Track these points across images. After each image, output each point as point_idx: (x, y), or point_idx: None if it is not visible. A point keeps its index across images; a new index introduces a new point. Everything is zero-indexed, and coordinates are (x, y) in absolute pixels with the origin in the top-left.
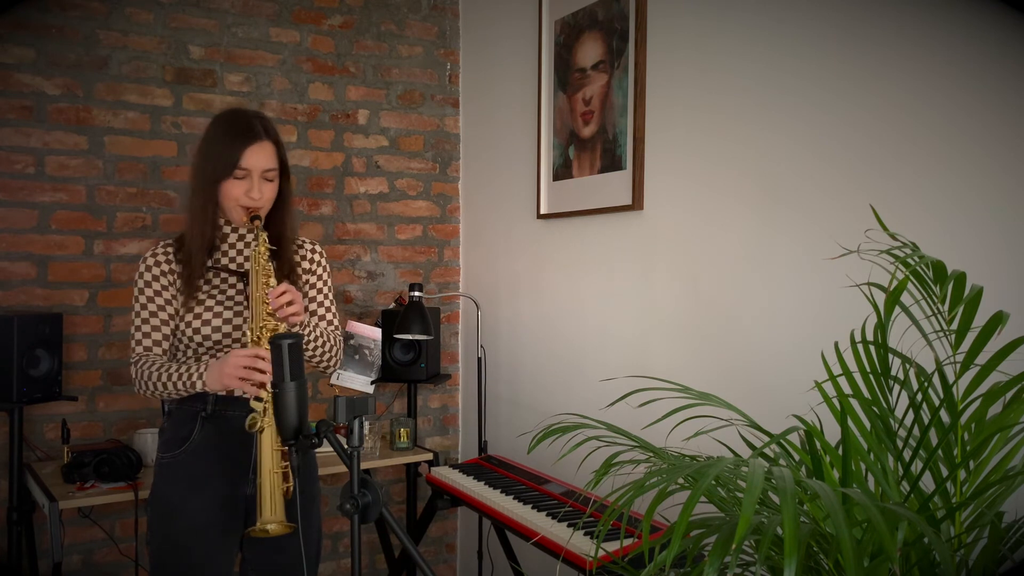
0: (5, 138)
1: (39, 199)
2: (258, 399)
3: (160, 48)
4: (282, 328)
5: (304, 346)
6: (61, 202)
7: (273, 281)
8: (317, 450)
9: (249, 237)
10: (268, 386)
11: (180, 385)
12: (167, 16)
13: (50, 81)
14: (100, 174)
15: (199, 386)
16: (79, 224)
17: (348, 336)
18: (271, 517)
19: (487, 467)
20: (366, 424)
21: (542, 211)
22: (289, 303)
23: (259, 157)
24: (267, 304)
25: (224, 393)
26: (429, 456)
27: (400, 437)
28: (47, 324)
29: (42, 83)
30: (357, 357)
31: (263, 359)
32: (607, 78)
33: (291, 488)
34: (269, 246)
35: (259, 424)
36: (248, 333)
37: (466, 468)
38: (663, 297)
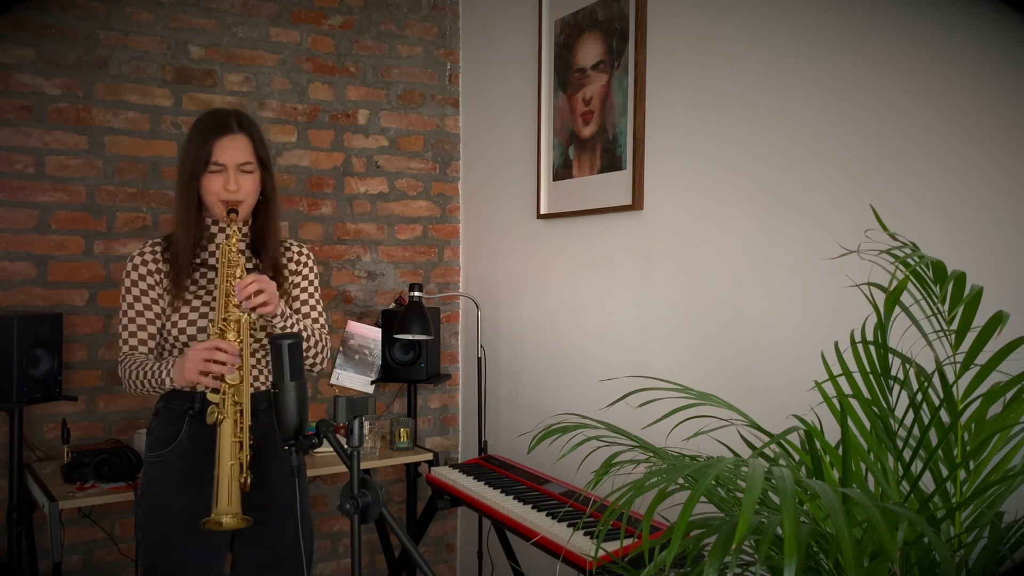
0: (5, 138)
1: (39, 199)
2: (215, 391)
3: (160, 48)
4: (245, 319)
5: None
6: (61, 202)
7: (240, 272)
8: (317, 450)
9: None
10: (226, 378)
11: (154, 382)
12: (167, 16)
13: (50, 81)
14: (100, 174)
15: (168, 383)
16: (79, 224)
17: (348, 336)
18: (227, 508)
19: (487, 467)
20: (366, 424)
21: (542, 211)
22: (258, 292)
23: (232, 150)
24: (232, 296)
25: (188, 388)
26: (429, 456)
27: (400, 437)
28: (47, 324)
29: (42, 83)
30: (357, 357)
31: (222, 350)
32: (607, 78)
33: (248, 480)
34: (241, 238)
35: (217, 415)
36: (210, 326)
37: (466, 468)
38: (663, 297)
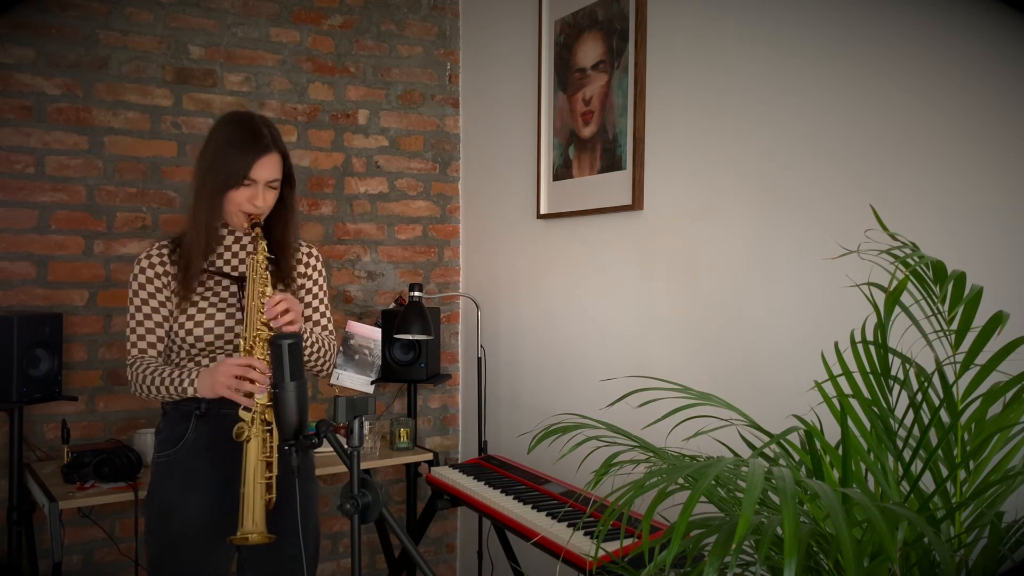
0: (5, 138)
1: (39, 199)
2: (247, 409)
3: (160, 48)
4: None
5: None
6: (61, 202)
7: (269, 290)
8: (317, 450)
9: (246, 240)
10: (256, 397)
11: (172, 390)
12: (167, 16)
13: (50, 81)
14: (100, 174)
15: (190, 392)
16: (79, 224)
17: (348, 336)
18: (252, 528)
19: (487, 467)
20: (366, 424)
21: (542, 211)
22: (285, 311)
23: (267, 169)
24: (262, 313)
25: None
26: (429, 456)
27: (400, 437)
28: (47, 324)
29: (42, 83)
30: (357, 357)
31: (254, 368)
32: (607, 78)
33: (273, 500)
34: (268, 255)
35: (247, 434)
36: (241, 342)
37: (466, 468)
38: (663, 297)
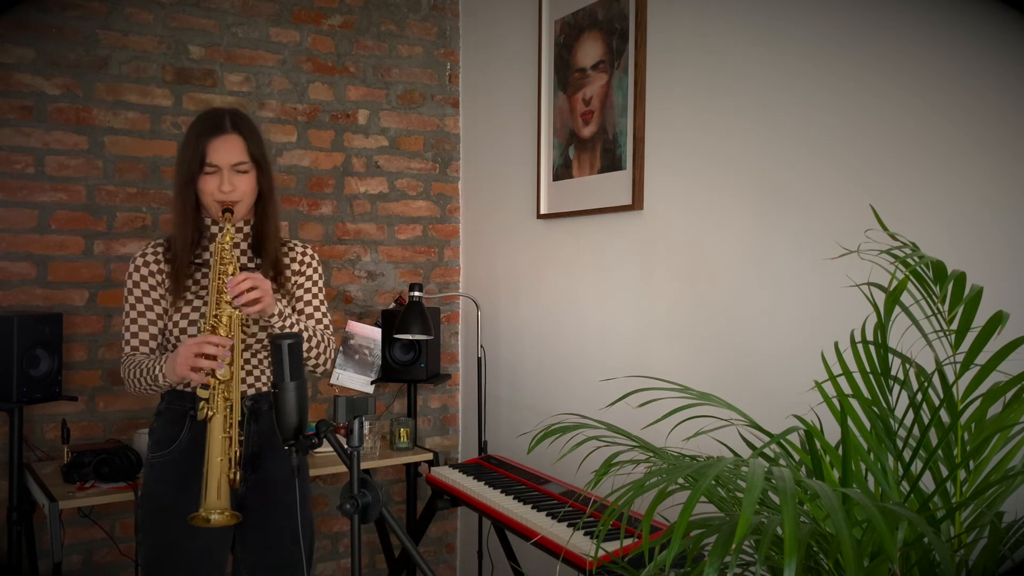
0: (5, 138)
1: (39, 199)
2: (205, 387)
3: (160, 48)
4: (236, 316)
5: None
6: (61, 202)
7: (233, 269)
8: (317, 450)
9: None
10: (218, 372)
11: (148, 379)
12: (167, 16)
13: (50, 81)
14: (100, 174)
15: (161, 379)
16: (79, 224)
17: (348, 336)
18: (216, 503)
19: (487, 467)
20: (366, 424)
21: (542, 211)
22: (251, 288)
23: (225, 151)
24: (224, 293)
25: (190, 388)
26: (429, 456)
27: (400, 437)
28: (47, 324)
29: (42, 83)
30: (357, 357)
31: (213, 344)
32: (607, 78)
33: (238, 476)
34: (243, 237)
35: (207, 412)
36: (202, 322)
37: (466, 468)
38: (663, 297)
